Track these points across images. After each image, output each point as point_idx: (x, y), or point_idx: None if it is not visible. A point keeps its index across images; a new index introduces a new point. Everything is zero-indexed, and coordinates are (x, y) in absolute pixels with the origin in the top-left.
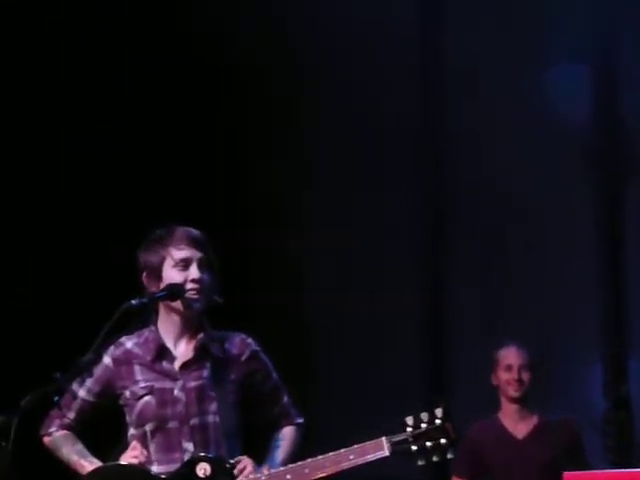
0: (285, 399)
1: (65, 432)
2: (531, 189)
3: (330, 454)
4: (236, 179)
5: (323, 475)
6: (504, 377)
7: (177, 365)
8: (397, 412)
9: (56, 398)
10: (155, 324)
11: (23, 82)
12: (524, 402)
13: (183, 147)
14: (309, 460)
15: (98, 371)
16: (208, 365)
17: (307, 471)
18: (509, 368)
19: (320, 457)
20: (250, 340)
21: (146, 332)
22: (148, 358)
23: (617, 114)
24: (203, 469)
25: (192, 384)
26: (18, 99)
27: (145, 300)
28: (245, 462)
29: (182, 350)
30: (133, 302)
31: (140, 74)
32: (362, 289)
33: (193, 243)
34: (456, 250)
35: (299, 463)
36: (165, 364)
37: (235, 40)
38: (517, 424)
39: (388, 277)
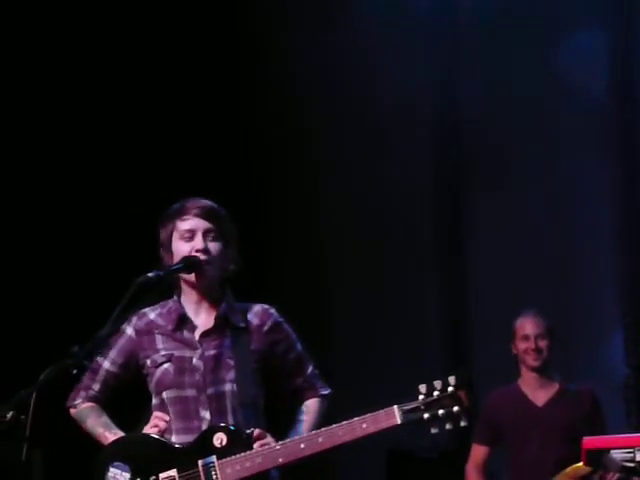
0: (310, 370)
1: (90, 404)
2: (549, 156)
3: (343, 423)
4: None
5: (337, 444)
6: (522, 346)
7: (197, 334)
8: (417, 381)
9: (74, 371)
10: (178, 295)
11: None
12: (544, 370)
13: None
14: (323, 429)
15: (121, 342)
16: (228, 334)
17: (321, 440)
18: (526, 337)
19: (334, 426)
20: (273, 310)
21: (170, 303)
22: (169, 327)
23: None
24: (220, 439)
25: (211, 352)
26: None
27: (161, 273)
28: (268, 439)
29: (203, 319)
30: (149, 275)
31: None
32: (381, 259)
33: (199, 213)
34: (476, 219)
35: (313, 432)
36: (186, 333)
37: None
38: (537, 391)
39: (409, 248)
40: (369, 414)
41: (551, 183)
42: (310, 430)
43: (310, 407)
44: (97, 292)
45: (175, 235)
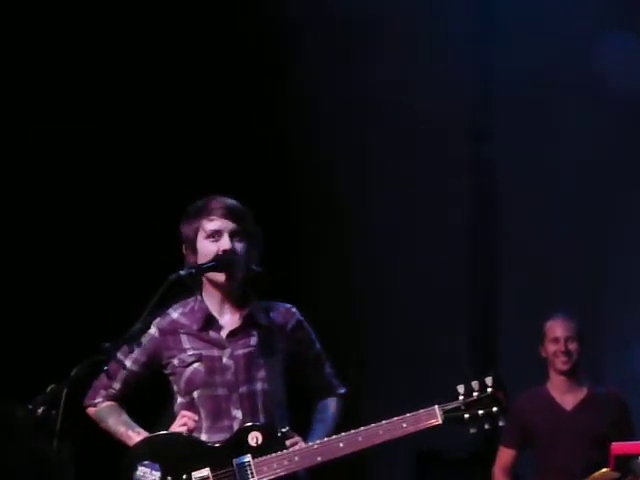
0: (328, 369)
1: (111, 403)
2: (577, 155)
3: (383, 422)
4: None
5: (376, 443)
6: (551, 349)
7: (224, 334)
8: (447, 382)
9: (105, 368)
10: (201, 294)
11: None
12: (573, 374)
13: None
14: (362, 428)
15: (144, 342)
16: (255, 334)
17: (360, 439)
18: (556, 340)
19: (373, 425)
20: (294, 310)
21: (191, 302)
22: (195, 327)
23: None
24: (255, 437)
25: (240, 352)
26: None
27: (193, 271)
28: (297, 438)
29: (228, 319)
30: (181, 272)
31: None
32: (411, 257)
33: (225, 214)
34: (508, 219)
35: (352, 431)
36: (212, 333)
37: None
38: (565, 395)
39: (439, 246)
40: (409, 414)
41: (577, 188)
42: (329, 430)
43: (328, 407)
44: (129, 289)
45: (201, 234)
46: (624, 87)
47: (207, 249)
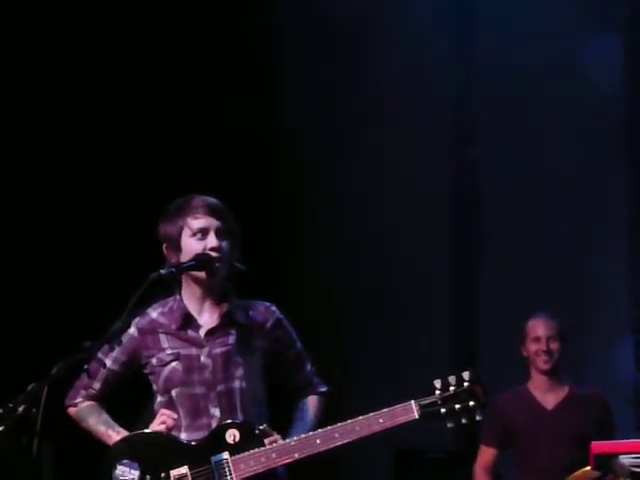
0: (309, 367)
1: (91, 402)
2: (563, 156)
3: (360, 418)
4: None
5: (353, 439)
6: (533, 348)
7: (202, 332)
8: (427, 380)
9: (86, 367)
10: (179, 293)
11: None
12: (554, 373)
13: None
14: (339, 425)
15: (124, 341)
16: (233, 332)
17: (337, 435)
18: (537, 339)
19: (350, 421)
20: (274, 308)
21: (170, 301)
22: (173, 327)
23: None
24: (232, 435)
25: (218, 350)
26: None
27: (173, 270)
28: (275, 436)
29: (207, 318)
30: (162, 272)
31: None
32: (394, 257)
33: (210, 211)
34: (490, 219)
35: (329, 427)
36: (190, 332)
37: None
38: (546, 395)
39: (421, 247)
40: (386, 409)
41: (563, 189)
42: (311, 427)
43: (309, 404)
44: (109, 287)
45: (186, 232)
46: (607, 87)
47: (193, 247)
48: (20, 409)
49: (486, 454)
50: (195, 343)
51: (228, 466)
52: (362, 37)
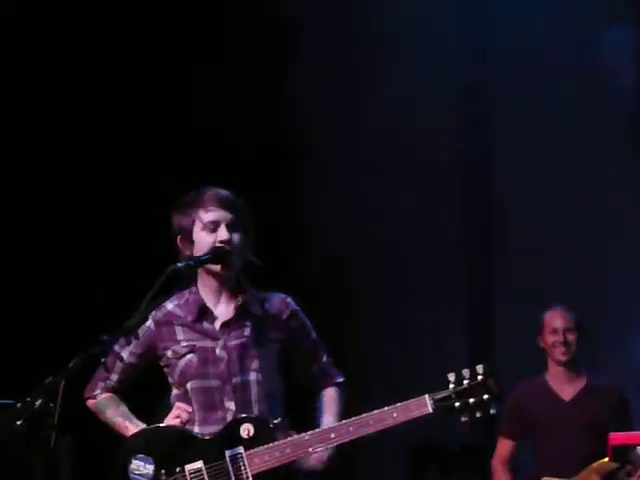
0: (325, 358)
1: (109, 394)
2: (575, 148)
3: (374, 412)
4: None
5: (368, 433)
6: (550, 340)
7: (218, 325)
8: (443, 371)
9: (103, 360)
10: (195, 285)
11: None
12: (571, 365)
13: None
14: (353, 418)
15: (141, 333)
16: (249, 324)
17: (351, 429)
18: (555, 331)
19: (364, 415)
20: (290, 300)
21: (186, 293)
22: (189, 319)
23: None
24: (247, 430)
25: (233, 343)
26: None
27: (191, 263)
28: (284, 426)
29: (222, 310)
30: (179, 265)
31: None
32: (410, 248)
33: (222, 204)
34: (506, 208)
35: (343, 422)
36: (206, 324)
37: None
38: (564, 386)
39: (433, 237)
40: (400, 403)
41: (579, 179)
42: (335, 418)
43: (329, 396)
44: (127, 281)
45: (197, 225)
46: (621, 81)
47: (204, 240)
48: (37, 403)
49: (504, 446)
50: (210, 335)
51: (242, 461)
52: (368, 36)
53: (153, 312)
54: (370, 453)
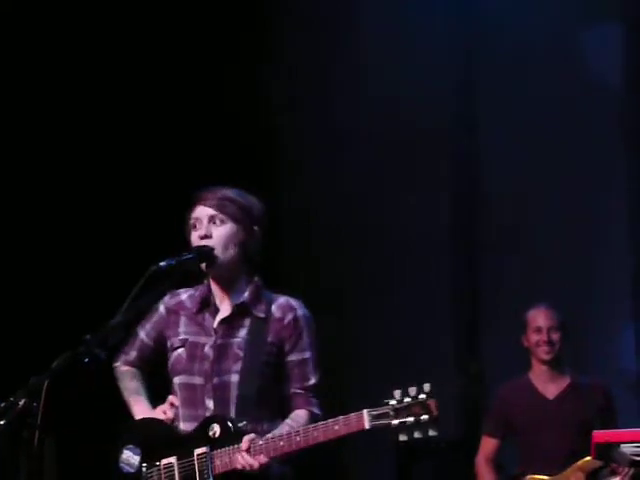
0: (312, 383)
1: (127, 368)
2: (563, 148)
3: (320, 424)
4: None
5: (311, 444)
6: (534, 339)
7: (217, 320)
8: (430, 374)
9: (86, 359)
10: (208, 280)
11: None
12: (555, 363)
13: None
14: (301, 429)
15: (155, 318)
16: (247, 324)
17: (299, 439)
18: (538, 330)
19: (310, 426)
20: (296, 305)
21: (200, 286)
22: (193, 310)
23: None
24: (214, 430)
25: (222, 341)
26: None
27: (173, 262)
28: (252, 435)
29: (225, 306)
30: (161, 264)
31: None
32: (396, 246)
33: (204, 201)
34: (493, 208)
35: (292, 431)
36: (207, 317)
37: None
38: (548, 384)
39: (422, 238)
40: (342, 417)
41: (567, 178)
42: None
43: (299, 418)
44: (110, 280)
45: (188, 225)
46: (609, 77)
47: (192, 239)
48: (21, 403)
49: (488, 444)
50: (206, 331)
51: (208, 460)
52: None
53: (166, 299)
54: (358, 452)
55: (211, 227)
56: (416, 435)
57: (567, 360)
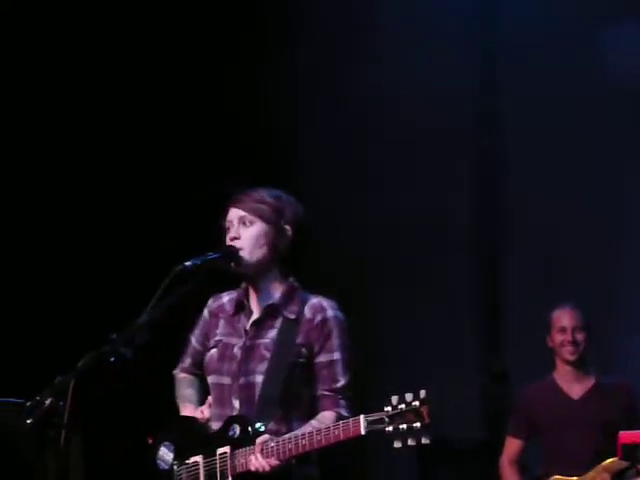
0: (340, 385)
1: (184, 375)
2: (584, 147)
3: (322, 429)
4: None
5: (316, 447)
6: (558, 339)
7: (250, 321)
8: (453, 368)
9: (112, 359)
10: (246, 282)
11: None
12: (580, 364)
13: None
14: (306, 433)
15: (201, 322)
16: (277, 326)
17: (304, 442)
18: (563, 330)
19: (314, 431)
20: (328, 305)
21: (240, 289)
22: (230, 312)
23: None
24: (234, 430)
25: (250, 342)
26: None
27: (198, 262)
28: (265, 436)
29: (257, 308)
30: (187, 263)
31: None
32: (418, 246)
33: (235, 203)
34: (514, 206)
35: (299, 434)
36: (242, 319)
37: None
38: (572, 385)
39: (445, 238)
40: (342, 421)
41: (590, 179)
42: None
43: (325, 419)
44: (137, 280)
45: (224, 229)
46: (632, 76)
47: (226, 241)
48: (47, 402)
49: (512, 445)
50: (238, 332)
51: (226, 460)
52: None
53: (210, 302)
54: (380, 453)
55: (240, 228)
56: (409, 442)
57: (592, 360)
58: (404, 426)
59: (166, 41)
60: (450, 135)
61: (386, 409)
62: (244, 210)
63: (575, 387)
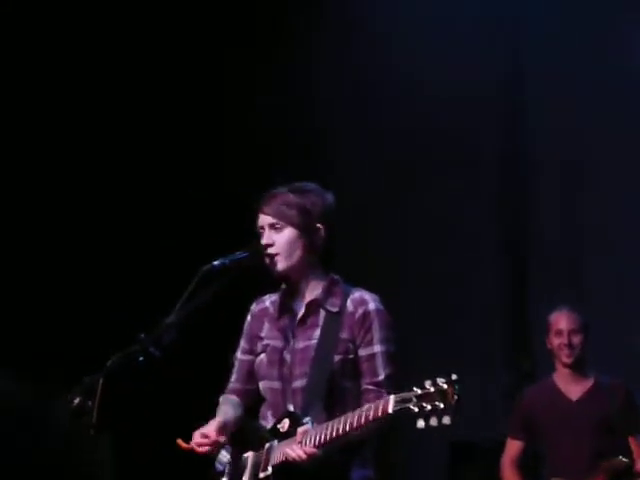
0: (382, 377)
1: (228, 395)
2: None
3: (356, 412)
4: None
5: (349, 430)
6: (556, 342)
7: (295, 321)
8: (480, 367)
9: (140, 358)
10: (287, 283)
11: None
12: (577, 366)
13: None
14: (342, 417)
15: (245, 329)
16: (321, 323)
17: (338, 426)
18: (560, 333)
19: (349, 413)
20: (370, 298)
21: (280, 291)
22: (275, 315)
23: None
24: (283, 424)
25: (300, 345)
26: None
27: (226, 262)
28: (306, 427)
29: (300, 307)
30: (215, 263)
31: None
32: (445, 245)
33: (264, 207)
34: (538, 213)
35: (335, 421)
36: (286, 321)
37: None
38: (571, 386)
39: (470, 235)
40: (373, 403)
41: (614, 175)
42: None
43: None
44: (165, 280)
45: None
46: None
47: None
48: (76, 401)
49: (513, 446)
50: (284, 335)
51: (272, 451)
52: None
53: (253, 306)
54: (409, 450)
55: (272, 234)
56: (431, 422)
57: (589, 361)
58: (429, 406)
59: (173, 38)
60: (475, 134)
61: (415, 389)
62: (272, 216)
63: (574, 388)
